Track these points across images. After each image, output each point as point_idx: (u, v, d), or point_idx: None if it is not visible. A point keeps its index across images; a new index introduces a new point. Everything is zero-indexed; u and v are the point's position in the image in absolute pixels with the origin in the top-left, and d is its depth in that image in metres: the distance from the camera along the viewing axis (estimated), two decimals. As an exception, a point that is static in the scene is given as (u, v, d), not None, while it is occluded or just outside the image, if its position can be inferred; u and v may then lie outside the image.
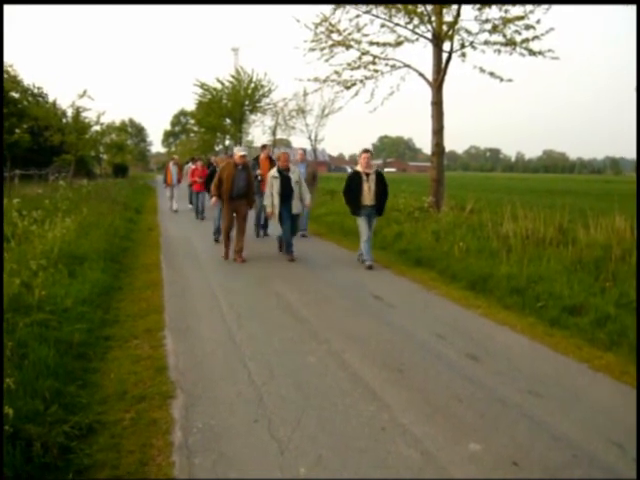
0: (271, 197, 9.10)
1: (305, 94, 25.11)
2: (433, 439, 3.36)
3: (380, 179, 8.74)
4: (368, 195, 8.61)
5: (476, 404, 3.86)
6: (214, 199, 9.61)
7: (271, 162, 11.67)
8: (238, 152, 9.41)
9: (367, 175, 8.66)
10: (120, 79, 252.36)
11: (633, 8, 5.91)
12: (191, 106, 40.47)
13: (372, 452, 3.21)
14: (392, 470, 3.03)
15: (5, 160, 24.22)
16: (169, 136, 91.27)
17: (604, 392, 4.13)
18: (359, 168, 8.76)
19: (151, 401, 3.88)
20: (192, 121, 48.77)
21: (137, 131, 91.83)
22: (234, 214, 9.41)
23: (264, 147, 12.67)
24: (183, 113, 76.68)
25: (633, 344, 4.92)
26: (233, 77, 32.59)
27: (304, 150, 12.91)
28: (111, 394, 3.98)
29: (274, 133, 32.84)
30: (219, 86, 33.18)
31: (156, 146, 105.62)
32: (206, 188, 12.07)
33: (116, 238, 10.80)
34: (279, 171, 9.20)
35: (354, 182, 8.70)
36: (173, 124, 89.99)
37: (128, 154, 51.49)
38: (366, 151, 8.81)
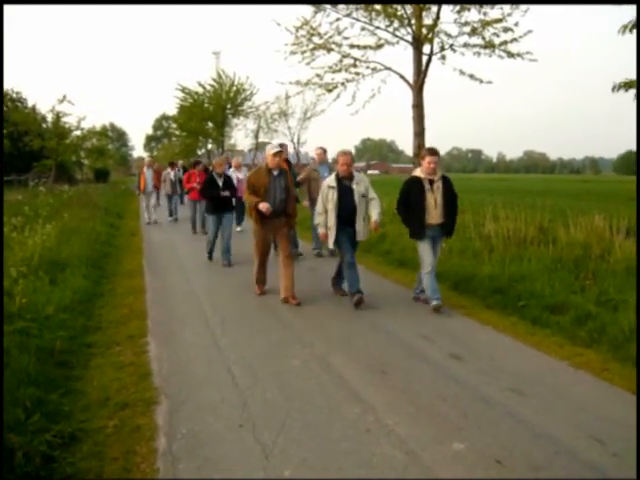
0: (325, 215, 6.54)
1: (287, 97, 25.16)
2: (417, 439, 3.38)
3: (448, 187, 6.37)
4: (434, 210, 6.25)
5: (460, 403, 3.89)
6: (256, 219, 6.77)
7: (289, 167, 9.38)
8: (270, 150, 6.70)
9: (432, 183, 6.26)
10: (101, 83, 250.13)
11: (619, 8, 5.97)
12: (173, 110, 40.22)
13: (357, 454, 3.22)
14: (377, 470, 3.04)
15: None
16: (151, 140, 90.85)
17: (585, 389, 4.18)
18: (419, 173, 6.33)
19: (134, 408, 3.85)
20: (174, 125, 48.53)
21: (118, 135, 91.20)
22: (270, 238, 7.13)
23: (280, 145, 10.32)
24: (165, 117, 76.35)
25: (613, 341, 4.99)
26: (215, 81, 32.53)
27: (323, 149, 10.02)
28: (94, 401, 3.95)
29: (256, 136, 32.86)
30: (201, 90, 33.12)
31: (138, 150, 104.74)
32: (204, 197, 9.93)
33: (98, 244, 10.72)
34: (338, 179, 6.58)
35: (414, 193, 6.27)
36: (155, 128, 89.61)
37: (109, 159, 50.95)
38: (344, 153, 6.62)
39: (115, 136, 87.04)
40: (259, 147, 34.13)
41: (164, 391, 4.11)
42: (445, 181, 6.35)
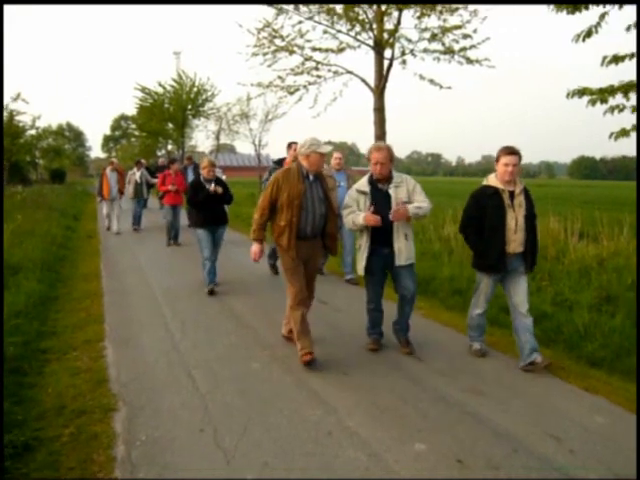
0: (352, 214, 4.90)
1: (249, 99, 24.94)
2: (379, 441, 3.40)
3: (530, 202, 4.78)
4: (514, 235, 4.64)
5: (421, 404, 3.93)
6: (283, 245, 4.83)
7: None
8: (314, 146, 4.78)
9: (512, 196, 4.68)
10: (57, 82, 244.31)
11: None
12: (132, 110, 39.50)
13: (319, 456, 3.21)
14: (339, 473, 3.04)
15: None
16: (109, 141, 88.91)
17: (542, 388, 4.27)
18: (494, 182, 4.73)
19: (91, 415, 3.75)
20: (133, 125, 47.70)
21: (75, 135, 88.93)
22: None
23: (291, 146, 7.86)
24: (124, 117, 74.99)
25: (568, 340, 5.14)
26: (175, 81, 32.09)
27: (341, 155, 8.32)
28: (49, 409, 3.83)
29: (218, 138, 32.53)
30: (161, 90, 32.60)
31: (95, 151, 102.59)
32: (193, 205, 7.58)
33: (53, 246, 10.43)
34: (371, 182, 4.96)
35: (490, 209, 4.67)
36: (113, 128, 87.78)
37: (66, 159, 49.83)
38: (378, 149, 4.89)
39: (72, 136, 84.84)
40: (220, 149, 33.78)
41: (122, 397, 4.02)
42: (527, 194, 4.78)
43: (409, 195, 4.89)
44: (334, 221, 5.04)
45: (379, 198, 4.86)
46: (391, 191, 4.88)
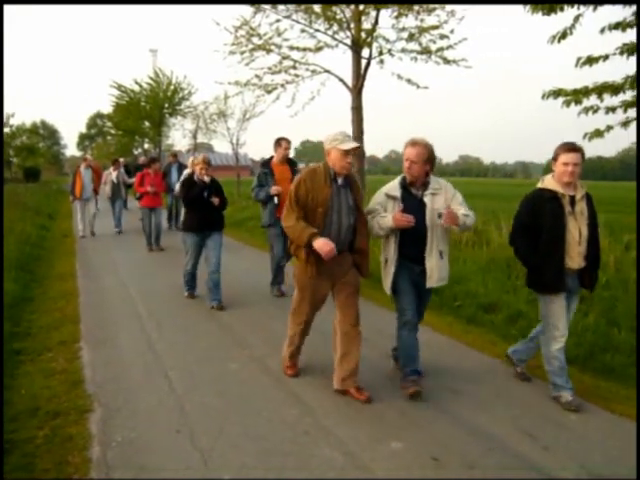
0: (377, 217, 4.14)
1: (226, 97, 24.74)
2: (356, 440, 3.41)
3: (592, 209, 4.05)
4: (577, 247, 3.94)
5: (397, 403, 3.96)
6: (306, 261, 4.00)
7: (292, 168, 6.94)
8: (338, 142, 3.98)
9: (573, 202, 3.96)
10: (31, 79, 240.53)
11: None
12: (108, 108, 39.00)
13: (296, 456, 3.22)
14: (316, 472, 3.05)
15: None
16: (85, 139, 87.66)
17: (517, 385, 4.33)
18: (553, 185, 3.99)
19: (66, 416, 3.71)
20: (109, 124, 47.13)
21: (50, 133, 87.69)
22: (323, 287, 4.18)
23: (280, 142, 6.94)
24: (99, 115, 73.87)
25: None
26: (152, 79, 31.78)
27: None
28: (22, 411, 3.77)
29: (195, 137, 32.26)
30: (137, 88, 32.26)
31: (71, 149, 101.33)
32: (186, 204, 6.73)
33: (27, 246, 10.27)
34: (403, 186, 4.20)
35: (548, 217, 3.93)
36: (89, 126, 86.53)
37: (40, 157, 49.12)
38: (414, 144, 4.09)
39: (46, 134, 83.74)
40: (197, 148, 33.53)
41: (98, 398, 3.98)
42: (589, 201, 4.05)
43: (447, 204, 4.09)
44: (365, 235, 4.14)
45: (411, 206, 4.07)
46: (427, 199, 4.10)
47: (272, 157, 7.00)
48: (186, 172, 8.96)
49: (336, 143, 3.93)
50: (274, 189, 6.69)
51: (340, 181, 4.04)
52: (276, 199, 6.71)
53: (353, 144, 3.94)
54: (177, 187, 9.73)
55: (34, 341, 5.29)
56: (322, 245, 3.81)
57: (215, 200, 6.53)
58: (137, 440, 3.39)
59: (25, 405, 3.86)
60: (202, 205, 6.53)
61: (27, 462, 3.13)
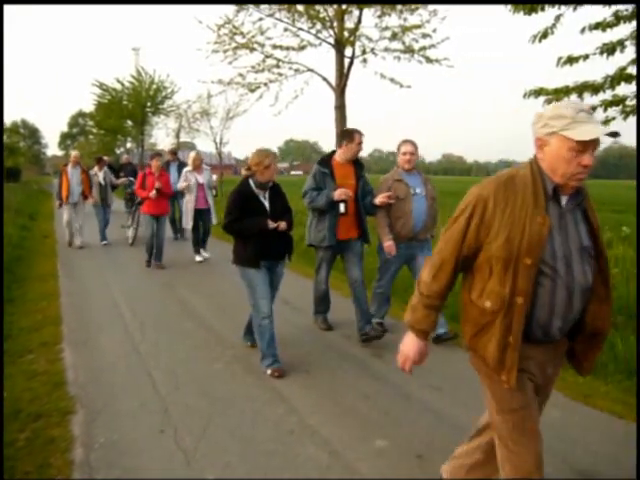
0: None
1: (209, 96, 24.63)
2: (340, 438, 3.42)
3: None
4: None
5: (382, 401, 3.97)
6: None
7: (358, 172, 5.43)
8: (577, 126, 1.92)
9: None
10: (11, 77, 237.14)
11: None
12: (90, 107, 38.63)
13: (280, 455, 3.22)
14: (300, 471, 3.05)
15: None
16: (66, 138, 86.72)
17: (499, 382, 4.36)
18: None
19: (48, 418, 3.67)
20: (91, 123, 46.71)
21: (30, 132, 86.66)
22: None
23: (352, 135, 5.36)
24: (81, 114, 73.15)
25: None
26: (134, 78, 31.54)
27: (413, 149, 5.40)
28: (4, 414, 3.73)
29: (178, 136, 32.09)
30: (119, 87, 32.00)
31: (52, 149, 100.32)
32: (237, 234, 4.56)
33: (8, 247, 10.12)
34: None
35: None
36: (71, 125, 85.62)
37: (21, 157, 48.55)
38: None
39: (27, 133, 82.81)
40: (180, 147, 33.33)
41: (80, 400, 3.95)
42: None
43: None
44: (610, 302, 2.23)
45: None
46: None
47: (333, 152, 5.49)
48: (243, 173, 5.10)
49: (564, 124, 1.98)
50: (340, 192, 5.08)
51: (564, 200, 2.13)
52: (342, 206, 5.17)
53: (599, 129, 1.98)
54: (179, 186, 9.66)
55: (15, 343, 5.22)
56: (409, 352, 2.65)
57: (282, 225, 4.54)
58: (120, 441, 3.37)
59: (7, 407, 3.80)
60: (265, 229, 4.46)
61: (9, 465, 3.09)
